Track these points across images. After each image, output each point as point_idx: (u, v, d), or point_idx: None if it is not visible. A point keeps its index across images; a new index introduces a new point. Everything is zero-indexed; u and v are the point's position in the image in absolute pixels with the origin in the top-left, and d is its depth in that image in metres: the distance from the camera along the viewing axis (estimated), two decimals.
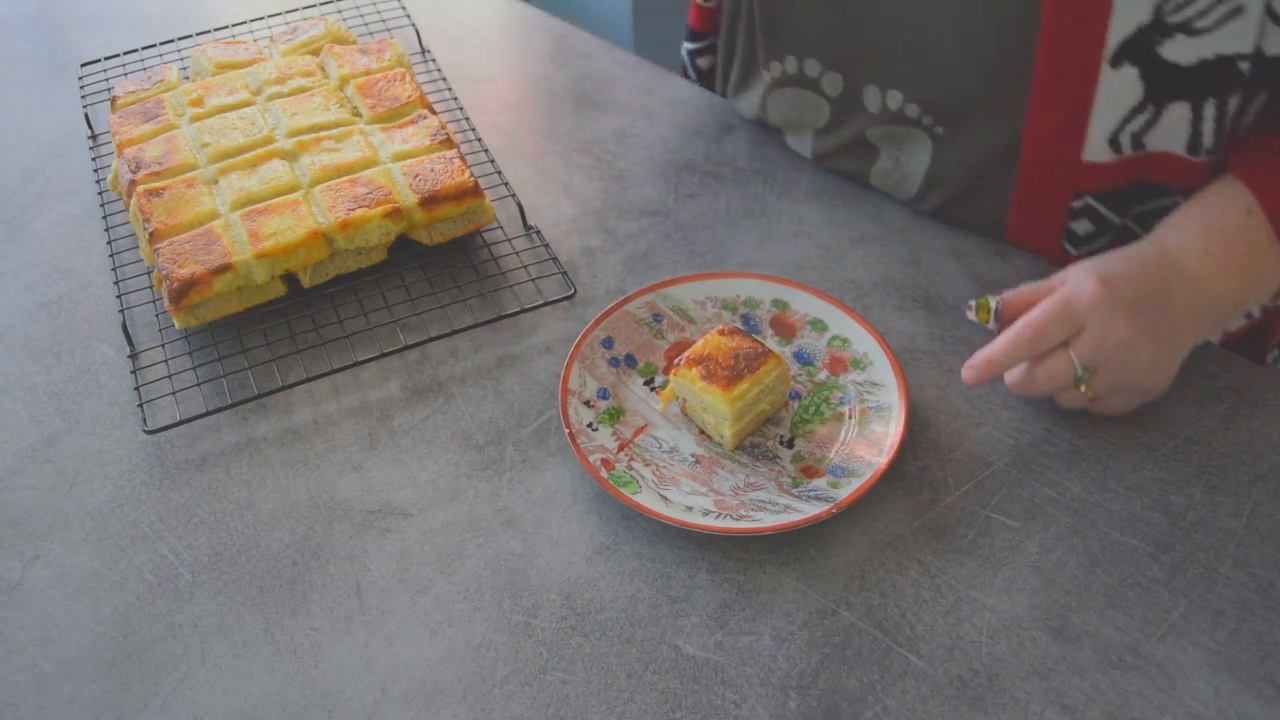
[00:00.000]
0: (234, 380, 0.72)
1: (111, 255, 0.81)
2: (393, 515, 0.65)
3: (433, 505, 0.65)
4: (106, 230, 0.83)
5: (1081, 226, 0.75)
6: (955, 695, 0.55)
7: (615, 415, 0.69)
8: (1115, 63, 0.65)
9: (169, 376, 0.73)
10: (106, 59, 1.00)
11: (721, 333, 0.68)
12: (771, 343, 0.73)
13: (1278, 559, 0.60)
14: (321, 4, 1.07)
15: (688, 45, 0.99)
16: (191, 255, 0.73)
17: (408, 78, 0.88)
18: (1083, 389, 0.63)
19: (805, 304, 0.74)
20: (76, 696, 0.57)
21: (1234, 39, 0.63)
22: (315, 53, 0.93)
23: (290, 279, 0.77)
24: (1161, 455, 0.66)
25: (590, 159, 0.90)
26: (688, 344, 0.73)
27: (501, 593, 0.61)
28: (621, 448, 0.67)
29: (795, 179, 0.86)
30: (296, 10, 1.06)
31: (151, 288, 0.78)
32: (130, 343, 0.74)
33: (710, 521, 0.61)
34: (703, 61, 0.98)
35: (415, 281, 0.80)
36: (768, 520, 0.61)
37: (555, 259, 0.80)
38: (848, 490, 0.62)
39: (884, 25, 0.74)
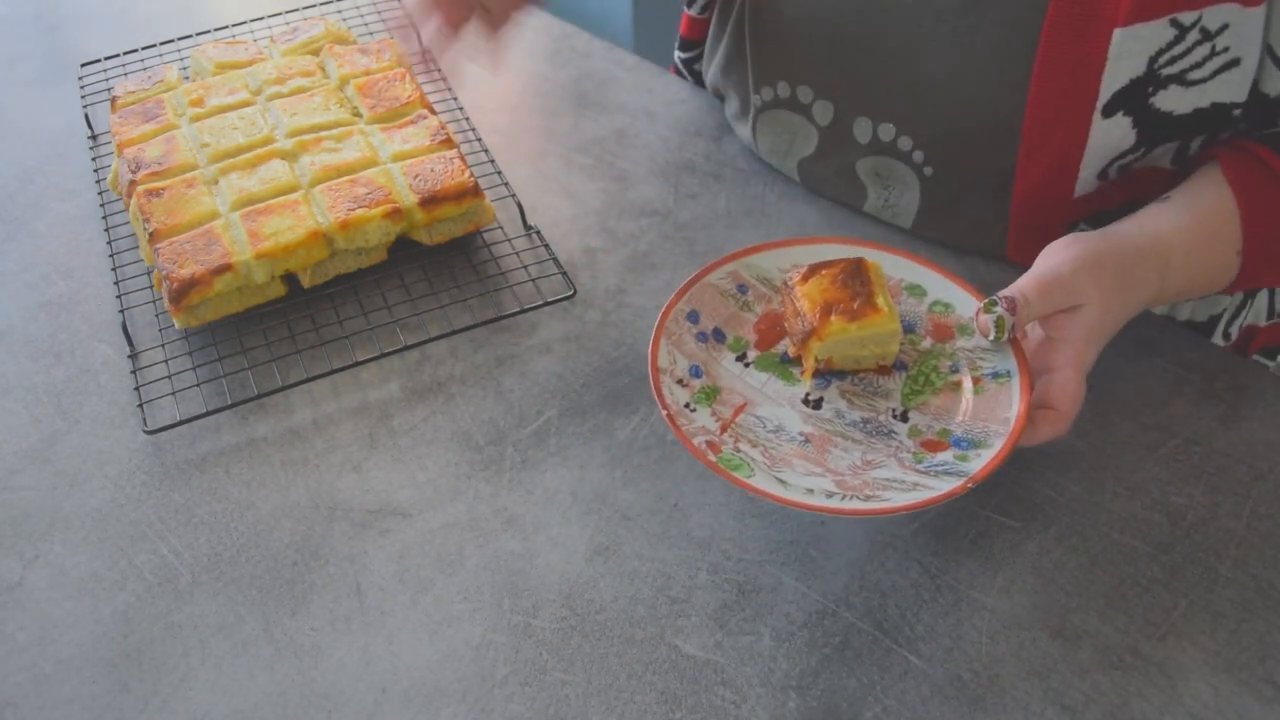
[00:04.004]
0: (234, 380, 0.72)
1: (111, 255, 0.81)
2: (393, 515, 0.65)
3: (433, 505, 0.65)
4: (106, 230, 0.83)
5: None
6: (955, 695, 0.55)
7: (711, 394, 0.65)
8: (1107, 112, 0.64)
9: (169, 376, 0.73)
10: (106, 59, 0.99)
11: (805, 280, 0.64)
12: None
13: (1278, 559, 0.60)
14: (321, 4, 1.07)
15: (680, 54, 0.99)
16: (191, 255, 0.73)
17: (408, 78, 0.88)
18: None
19: (898, 268, 0.69)
20: (76, 696, 0.57)
21: (1229, 89, 0.63)
22: (315, 53, 0.93)
23: (290, 279, 0.77)
24: (1161, 455, 0.66)
25: (590, 159, 0.90)
26: (777, 316, 0.69)
27: (501, 593, 0.61)
28: (724, 428, 0.63)
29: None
30: (296, 10, 1.05)
31: (151, 288, 0.78)
32: (130, 343, 0.74)
33: (836, 504, 0.58)
34: (698, 67, 0.98)
35: (415, 281, 0.79)
36: (899, 499, 0.58)
37: (555, 259, 0.80)
38: (978, 463, 0.59)
39: (882, 59, 0.73)
